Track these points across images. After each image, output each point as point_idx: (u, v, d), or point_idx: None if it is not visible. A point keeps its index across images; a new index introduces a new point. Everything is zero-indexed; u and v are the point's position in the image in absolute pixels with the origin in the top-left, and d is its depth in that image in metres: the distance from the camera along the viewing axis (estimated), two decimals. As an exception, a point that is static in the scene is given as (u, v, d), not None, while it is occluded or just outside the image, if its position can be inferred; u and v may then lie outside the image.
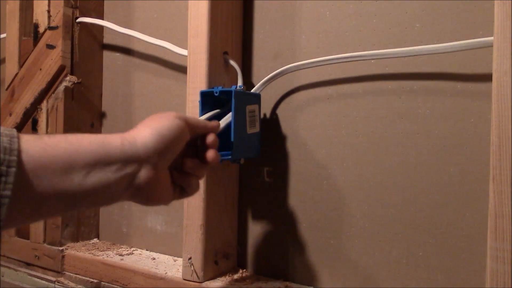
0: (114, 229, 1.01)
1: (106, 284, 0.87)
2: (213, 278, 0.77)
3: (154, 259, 0.89)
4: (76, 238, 0.99)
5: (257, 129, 0.74)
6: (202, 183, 0.75)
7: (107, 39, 1.02)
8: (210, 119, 0.72)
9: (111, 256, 0.91)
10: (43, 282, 0.96)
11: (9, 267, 1.03)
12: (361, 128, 0.71)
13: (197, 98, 0.73)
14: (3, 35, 1.09)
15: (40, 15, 0.97)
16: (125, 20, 0.98)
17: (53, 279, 0.95)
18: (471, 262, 0.63)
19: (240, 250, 0.83)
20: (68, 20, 0.96)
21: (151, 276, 0.81)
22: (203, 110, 0.72)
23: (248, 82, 0.81)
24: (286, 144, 0.78)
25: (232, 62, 0.78)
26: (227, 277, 0.78)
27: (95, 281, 0.89)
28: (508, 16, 0.51)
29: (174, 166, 0.54)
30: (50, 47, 0.95)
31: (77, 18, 0.97)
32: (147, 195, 0.49)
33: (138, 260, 0.89)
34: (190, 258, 0.76)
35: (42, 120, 0.98)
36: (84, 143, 0.44)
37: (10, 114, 1.03)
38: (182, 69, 0.89)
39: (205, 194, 0.75)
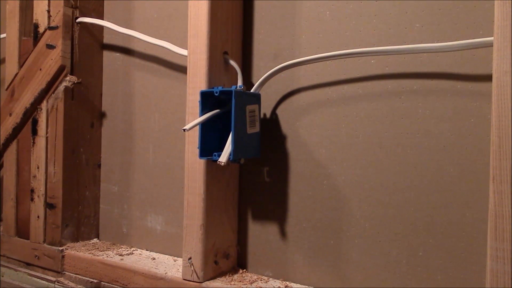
0: (114, 229, 1.01)
1: (106, 284, 0.87)
2: (213, 278, 0.77)
3: (154, 259, 0.89)
4: (76, 238, 0.99)
5: (257, 129, 0.74)
6: (202, 183, 0.75)
7: (107, 39, 1.02)
8: (210, 118, 0.72)
9: (111, 256, 0.91)
10: (43, 282, 0.96)
11: (9, 267, 1.03)
12: (361, 128, 0.71)
13: (197, 98, 0.73)
14: (3, 35, 1.09)
15: (40, 15, 0.98)
16: (125, 20, 0.98)
17: (53, 279, 0.95)
18: (471, 262, 0.63)
19: (240, 250, 0.83)
20: (68, 20, 0.96)
21: (151, 276, 0.81)
22: (203, 110, 0.72)
23: (248, 82, 0.81)
24: (286, 144, 0.78)
25: (232, 62, 0.78)
26: (227, 277, 0.78)
27: (95, 281, 0.89)
28: (508, 16, 0.51)
29: None
30: (50, 47, 0.96)
31: (77, 18, 0.97)
32: None
33: (138, 260, 0.89)
34: (190, 258, 0.76)
35: (42, 120, 0.98)
36: None
37: (10, 114, 1.03)
38: (182, 69, 0.89)
39: (205, 194, 0.75)
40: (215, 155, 0.70)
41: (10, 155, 1.04)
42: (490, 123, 0.52)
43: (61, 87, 0.95)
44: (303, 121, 0.76)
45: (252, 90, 0.77)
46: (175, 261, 0.88)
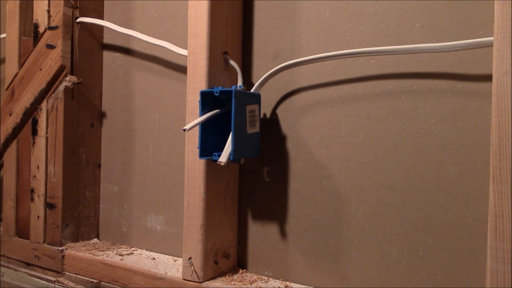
0: (114, 229, 1.01)
1: (106, 284, 0.87)
2: (213, 278, 0.77)
3: (154, 259, 0.89)
4: (76, 238, 0.99)
5: (257, 129, 0.74)
6: (202, 183, 0.75)
7: (107, 39, 1.02)
8: (210, 118, 0.72)
9: (111, 256, 0.91)
10: (43, 282, 0.96)
11: (9, 267, 1.03)
12: (361, 128, 0.71)
13: (197, 98, 0.73)
14: (3, 35, 1.09)
15: (40, 15, 0.98)
16: (125, 20, 0.98)
17: (53, 279, 0.95)
18: (471, 262, 0.63)
19: (240, 250, 0.83)
20: (68, 20, 0.96)
21: (151, 276, 0.81)
22: (203, 110, 0.72)
23: (248, 82, 0.81)
24: (286, 144, 0.78)
25: (232, 62, 0.78)
26: (227, 277, 0.78)
27: (95, 281, 0.89)
28: (508, 16, 0.51)
29: None
30: (50, 47, 0.96)
31: (77, 18, 0.97)
32: None
33: (138, 260, 0.89)
34: (190, 258, 0.76)
35: (42, 120, 0.98)
36: None
37: (10, 114, 1.03)
38: (182, 69, 0.89)
39: (205, 194, 0.75)
40: (215, 155, 0.70)
41: (10, 155, 1.04)
42: (490, 123, 0.52)
43: (61, 87, 0.95)
44: (303, 121, 0.76)
45: (252, 90, 0.77)
46: (175, 261, 0.88)
